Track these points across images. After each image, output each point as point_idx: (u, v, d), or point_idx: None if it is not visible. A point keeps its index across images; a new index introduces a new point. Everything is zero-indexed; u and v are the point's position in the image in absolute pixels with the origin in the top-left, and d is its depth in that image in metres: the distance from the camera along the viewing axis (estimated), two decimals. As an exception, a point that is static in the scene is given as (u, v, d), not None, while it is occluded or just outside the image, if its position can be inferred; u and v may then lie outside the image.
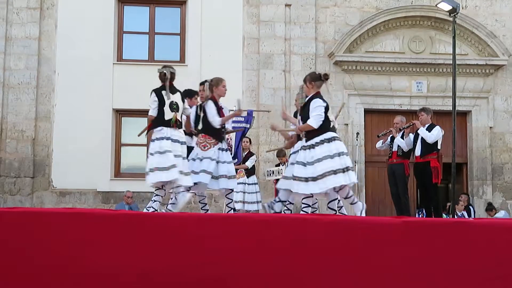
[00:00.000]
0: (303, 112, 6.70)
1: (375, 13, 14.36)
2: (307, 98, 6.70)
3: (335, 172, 6.29)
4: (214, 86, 7.35)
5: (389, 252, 4.86)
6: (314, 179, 6.37)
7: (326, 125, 6.48)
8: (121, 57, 14.24)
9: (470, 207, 13.61)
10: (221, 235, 4.76)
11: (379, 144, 10.49)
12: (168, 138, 7.00)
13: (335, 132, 6.62)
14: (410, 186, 10.88)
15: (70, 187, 13.49)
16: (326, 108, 6.51)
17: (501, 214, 13.14)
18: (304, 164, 6.49)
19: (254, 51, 14.19)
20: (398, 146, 9.90)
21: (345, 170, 6.33)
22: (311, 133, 6.50)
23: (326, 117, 6.49)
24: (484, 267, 4.95)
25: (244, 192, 11.21)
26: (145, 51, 14.37)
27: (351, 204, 6.83)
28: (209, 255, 4.68)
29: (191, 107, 7.62)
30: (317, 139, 6.46)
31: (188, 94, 7.91)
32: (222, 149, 7.31)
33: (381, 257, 4.84)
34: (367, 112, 14.30)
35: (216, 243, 4.72)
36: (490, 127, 14.58)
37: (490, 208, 13.27)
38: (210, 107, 7.24)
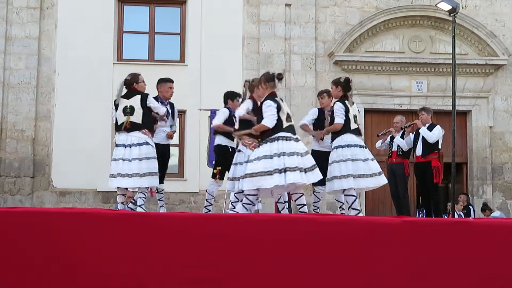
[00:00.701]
0: (257, 114, 6.68)
1: (375, 13, 14.36)
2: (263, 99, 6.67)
3: (271, 173, 6.22)
4: (256, 87, 7.27)
5: (389, 252, 4.86)
6: (251, 175, 6.34)
7: (278, 125, 6.41)
8: (121, 57, 14.24)
9: (470, 206, 13.60)
10: (222, 235, 4.76)
11: (378, 143, 10.48)
12: (116, 145, 7.33)
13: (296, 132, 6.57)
14: (410, 185, 10.87)
15: (70, 187, 13.48)
16: (278, 108, 6.45)
17: (496, 214, 13.12)
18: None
19: (254, 51, 14.19)
20: (398, 145, 9.89)
21: (282, 171, 6.21)
22: (265, 133, 6.45)
23: (278, 117, 6.43)
24: (484, 267, 4.95)
25: (244, 192, 11.19)
26: (145, 50, 14.36)
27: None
28: (209, 255, 4.68)
29: (232, 109, 7.72)
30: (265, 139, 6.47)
31: (229, 96, 7.92)
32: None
33: (381, 257, 4.84)
34: (367, 111, 14.28)
35: (217, 243, 4.72)
36: (490, 127, 14.58)
37: (484, 208, 13.25)
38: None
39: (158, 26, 14.48)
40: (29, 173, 13.42)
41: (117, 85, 7.46)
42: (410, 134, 9.85)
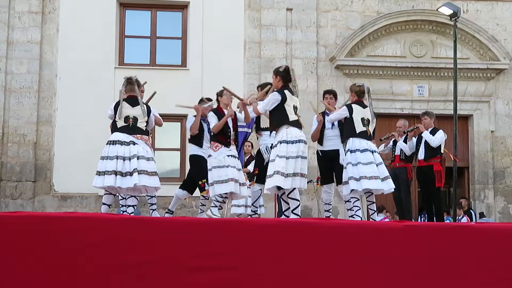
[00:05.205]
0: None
1: (376, 17, 14.38)
2: None
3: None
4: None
5: (391, 256, 4.85)
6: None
7: None
8: (122, 61, 14.25)
9: (471, 211, 13.58)
10: (224, 239, 4.76)
11: (381, 148, 10.43)
12: (113, 143, 7.43)
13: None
14: (412, 189, 10.85)
15: (72, 191, 13.48)
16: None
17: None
18: None
19: (255, 55, 14.20)
20: (401, 150, 9.86)
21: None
22: None
23: None
24: (484, 271, 4.94)
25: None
26: (146, 55, 14.38)
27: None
28: (213, 260, 4.68)
29: None
30: None
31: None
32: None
33: (383, 262, 4.84)
34: (368, 116, 14.26)
35: (220, 248, 4.71)
36: (492, 131, 14.58)
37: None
38: None
39: (160, 30, 14.51)
40: (30, 178, 13.43)
41: (124, 82, 7.30)
42: (413, 138, 9.82)
